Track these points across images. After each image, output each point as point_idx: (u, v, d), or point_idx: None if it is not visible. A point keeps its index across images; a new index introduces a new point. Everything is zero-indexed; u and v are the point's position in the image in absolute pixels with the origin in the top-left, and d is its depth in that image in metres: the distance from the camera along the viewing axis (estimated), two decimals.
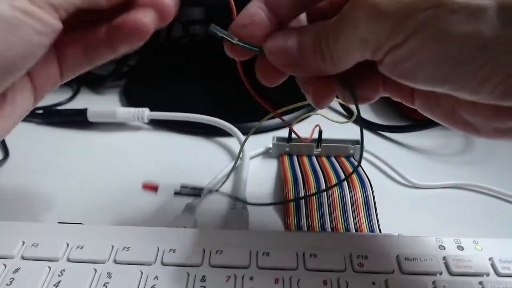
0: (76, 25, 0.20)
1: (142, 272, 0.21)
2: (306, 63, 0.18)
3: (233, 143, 0.37)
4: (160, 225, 0.26)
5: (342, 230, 0.27)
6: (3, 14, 0.15)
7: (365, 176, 0.31)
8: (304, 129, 0.32)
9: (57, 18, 0.17)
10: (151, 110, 0.39)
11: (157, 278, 0.21)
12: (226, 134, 0.37)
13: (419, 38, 0.14)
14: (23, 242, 0.23)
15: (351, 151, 0.34)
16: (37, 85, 0.21)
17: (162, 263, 0.22)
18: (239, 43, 0.18)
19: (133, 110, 0.39)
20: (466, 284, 0.21)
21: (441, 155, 0.37)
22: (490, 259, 0.22)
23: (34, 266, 0.22)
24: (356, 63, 0.17)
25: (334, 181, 0.30)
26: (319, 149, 0.34)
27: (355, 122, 0.39)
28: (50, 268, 0.22)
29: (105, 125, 0.40)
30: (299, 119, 0.33)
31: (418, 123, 0.39)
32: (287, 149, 0.35)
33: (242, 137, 0.36)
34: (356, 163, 0.33)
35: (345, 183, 0.30)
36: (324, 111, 0.44)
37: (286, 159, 0.34)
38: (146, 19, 0.19)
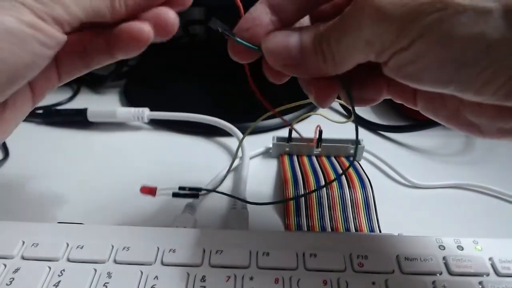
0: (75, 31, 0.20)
1: (142, 272, 0.21)
2: (307, 64, 0.18)
3: (233, 143, 0.37)
4: (160, 225, 0.26)
5: (342, 230, 0.27)
6: (10, 27, 0.16)
7: (365, 176, 0.31)
8: (304, 129, 0.32)
9: (61, 31, 0.17)
10: (151, 110, 0.39)
11: (157, 278, 0.21)
12: (226, 134, 0.37)
13: (425, 42, 0.14)
14: (23, 242, 0.23)
15: (351, 151, 0.34)
16: (36, 89, 0.21)
17: (162, 263, 0.22)
18: (239, 40, 0.18)
19: (133, 110, 0.39)
20: (466, 284, 0.21)
21: (441, 155, 0.37)
22: (490, 259, 0.22)
23: (34, 266, 0.22)
24: (359, 65, 0.17)
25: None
26: (319, 149, 0.34)
27: (354, 122, 0.39)
28: (50, 268, 0.22)
29: (105, 125, 0.40)
30: (299, 119, 0.33)
31: (418, 123, 0.39)
32: (287, 149, 0.35)
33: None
34: (356, 163, 0.33)
35: (345, 183, 0.30)
36: (324, 111, 0.44)
37: (286, 159, 0.34)
38: (145, 28, 0.19)
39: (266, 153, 0.36)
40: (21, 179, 0.33)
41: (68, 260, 0.22)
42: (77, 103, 0.46)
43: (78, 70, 0.22)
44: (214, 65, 0.50)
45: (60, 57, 0.21)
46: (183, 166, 0.35)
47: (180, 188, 0.26)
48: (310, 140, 0.33)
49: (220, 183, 0.32)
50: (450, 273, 0.22)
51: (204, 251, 0.23)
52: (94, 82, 0.49)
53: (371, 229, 0.27)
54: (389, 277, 0.21)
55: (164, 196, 0.26)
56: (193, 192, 0.27)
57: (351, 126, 0.42)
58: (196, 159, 0.36)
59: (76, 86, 0.48)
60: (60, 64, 0.21)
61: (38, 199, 0.31)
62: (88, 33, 0.20)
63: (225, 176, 0.30)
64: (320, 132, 0.33)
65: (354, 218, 0.28)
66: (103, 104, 0.46)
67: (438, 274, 0.22)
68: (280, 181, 0.32)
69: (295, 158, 0.34)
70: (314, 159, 0.34)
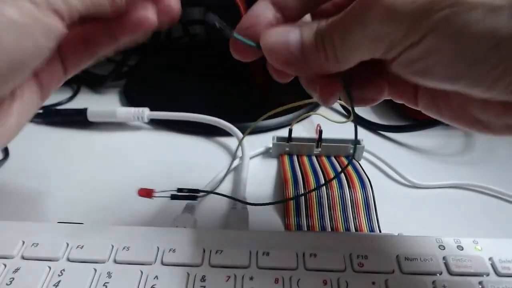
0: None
1: (142, 272, 0.21)
2: (308, 62, 0.17)
3: (233, 142, 0.37)
4: (160, 225, 0.26)
5: (342, 230, 0.27)
6: (13, 19, 0.16)
7: (365, 176, 0.31)
8: (304, 128, 0.32)
9: (62, 23, 0.18)
10: (151, 110, 0.39)
11: (157, 278, 0.21)
12: (226, 133, 0.37)
13: (436, 37, 0.14)
14: (23, 242, 0.23)
15: (351, 151, 0.34)
16: (43, 82, 0.21)
17: (162, 263, 0.22)
18: (237, 36, 0.18)
19: (133, 110, 0.39)
20: (466, 284, 0.21)
21: (441, 155, 0.37)
22: (490, 259, 0.22)
23: (34, 266, 0.22)
24: (360, 64, 0.17)
25: (334, 181, 0.30)
26: (319, 149, 0.34)
27: (354, 121, 0.39)
28: (50, 268, 0.22)
29: (105, 125, 0.40)
30: (299, 119, 0.33)
31: (418, 123, 0.39)
32: (287, 149, 0.35)
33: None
34: (356, 163, 0.33)
35: (345, 183, 0.30)
36: (324, 111, 0.44)
37: (286, 159, 0.34)
38: (149, 15, 0.19)
39: (266, 153, 0.36)
40: (21, 179, 0.33)
41: (68, 260, 0.22)
42: (77, 103, 0.46)
43: (84, 60, 0.22)
44: (214, 65, 0.50)
45: (64, 49, 0.21)
46: (183, 166, 0.35)
47: (178, 190, 0.26)
48: (313, 140, 0.33)
49: (219, 183, 0.32)
50: (450, 273, 0.22)
51: (204, 251, 0.23)
52: (94, 82, 0.49)
53: (371, 229, 0.27)
54: (389, 277, 0.21)
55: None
56: (191, 194, 0.27)
57: (351, 126, 0.42)
58: (196, 159, 0.36)
59: (76, 86, 0.48)
60: (65, 57, 0.21)
61: (38, 199, 0.31)
62: (91, 23, 0.20)
63: (224, 176, 0.30)
64: (320, 132, 0.33)
65: (354, 218, 0.28)
66: (103, 104, 0.46)
67: (438, 274, 0.22)
68: (280, 181, 0.32)
69: (295, 158, 0.34)
70: (314, 159, 0.34)
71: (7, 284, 0.21)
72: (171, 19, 0.20)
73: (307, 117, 0.35)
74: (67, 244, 0.23)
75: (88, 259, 0.22)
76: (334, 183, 0.30)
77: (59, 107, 0.43)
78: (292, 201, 0.29)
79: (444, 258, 0.22)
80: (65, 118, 0.40)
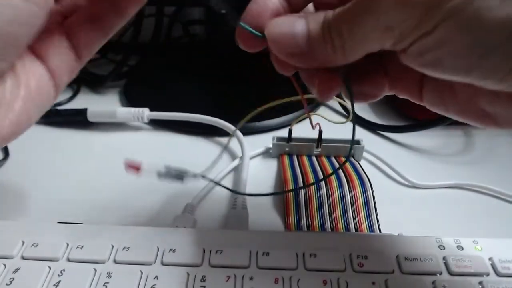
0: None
1: (142, 272, 0.21)
2: (314, 54, 0.17)
3: (233, 143, 0.37)
4: (160, 225, 0.26)
5: (342, 230, 0.27)
6: None
7: (365, 176, 0.31)
8: (304, 129, 0.32)
9: None
10: (151, 110, 0.39)
11: (157, 278, 0.21)
12: (226, 134, 0.37)
13: (449, 26, 0.13)
14: (23, 242, 0.23)
15: (352, 151, 0.34)
16: (54, 70, 0.20)
17: (162, 263, 0.22)
18: (243, 25, 0.17)
19: (133, 110, 0.39)
20: (466, 284, 0.21)
21: (441, 155, 0.37)
22: (490, 259, 0.22)
23: (34, 266, 0.22)
24: (361, 59, 0.16)
25: (334, 180, 0.30)
26: (319, 149, 0.34)
27: (352, 120, 0.39)
28: (50, 268, 0.22)
29: (105, 125, 0.40)
30: (299, 119, 0.33)
31: (418, 123, 0.39)
32: (287, 149, 0.35)
33: (242, 137, 0.36)
34: (356, 163, 0.33)
35: (345, 183, 0.30)
36: (324, 111, 0.44)
37: (286, 159, 0.34)
38: None
39: (266, 153, 0.36)
40: (21, 179, 0.33)
41: (68, 260, 0.22)
42: (77, 103, 0.46)
43: (94, 42, 0.21)
44: (214, 65, 0.50)
45: (71, 32, 0.20)
46: (183, 166, 0.35)
47: (166, 168, 0.26)
48: (313, 140, 0.33)
49: (219, 181, 0.32)
50: (450, 273, 0.22)
51: (204, 251, 0.23)
52: (94, 82, 0.49)
53: (371, 229, 0.27)
54: (389, 277, 0.21)
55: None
56: (178, 174, 0.26)
57: (351, 126, 0.42)
58: (196, 159, 0.36)
59: (76, 86, 0.48)
60: (74, 41, 0.20)
61: (38, 199, 0.31)
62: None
63: (212, 165, 0.30)
64: (320, 132, 0.33)
65: (354, 218, 0.28)
66: (103, 104, 0.46)
67: (438, 274, 0.22)
68: (280, 181, 0.32)
69: (295, 158, 0.34)
70: (314, 159, 0.34)
71: (7, 284, 0.21)
72: None
73: (306, 117, 0.35)
74: (67, 244, 0.23)
75: (88, 259, 0.22)
76: (334, 183, 0.30)
77: (59, 107, 0.43)
78: (292, 200, 0.29)
79: (444, 258, 0.22)
80: (65, 118, 0.40)
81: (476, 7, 0.13)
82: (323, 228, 0.27)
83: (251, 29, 0.18)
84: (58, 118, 0.40)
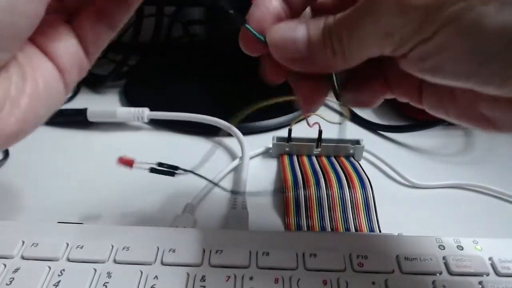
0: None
1: (142, 272, 0.21)
2: (314, 59, 0.17)
3: (233, 143, 0.37)
4: (160, 225, 0.26)
5: (342, 230, 0.27)
6: None
7: (365, 176, 0.31)
8: (304, 129, 0.32)
9: None
10: (151, 110, 0.39)
11: (157, 278, 0.21)
12: (226, 134, 0.37)
13: (449, 31, 0.13)
14: (23, 242, 0.23)
15: (351, 151, 0.34)
16: (62, 67, 0.20)
17: (162, 263, 0.22)
18: (247, 26, 0.18)
19: (133, 110, 0.39)
20: (466, 284, 0.21)
21: (441, 155, 0.37)
22: (490, 259, 0.22)
23: (34, 266, 0.22)
24: (358, 66, 0.17)
25: (334, 180, 0.30)
26: (319, 149, 0.34)
27: (352, 121, 0.39)
28: (50, 268, 0.22)
29: (105, 125, 0.40)
30: (299, 119, 0.33)
31: (418, 123, 0.39)
32: (287, 149, 0.35)
33: (242, 137, 0.36)
34: (356, 163, 0.33)
35: (345, 183, 0.30)
36: (324, 112, 0.44)
37: (286, 159, 0.34)
38: None
39: (266, 153, 0.36)
40: (21, 179, 0.33)
41: (68, 260, 0.22)
42: (77, 103, 0.46)
43: (102, 36, 0.21)
44: (214, 65, 0.50)
45: (78, 26, 0.20)
46: (183, 166, 0.35)
47: (158, 164, 0.26)
48: (313, 140, 0.33)
49: (219, 181, 0.32)
50: (450, 273, 0.22)
51: (204, 251, 0.23)
52: (94, 82, 0.49)
53: (371, 229, 0.27)
54: (389, 277, 0.21)
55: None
56: (170, 170, 0.27)
57: (351, 126, 0.42)
58: (196, 159, 0.36)
59: (76, 86, 0.48)
60: (81, 36, 0.20)
61: (38, 199, 0.31)
62: None
63: (205, 157, 0.30)
64: (320, 131, 0.33)
65: (354, 218, 0.28)
66: (103, 104, 0.46)
67: (438, 274, 0.22)
68: (280, 181, 0.32)
69: (295, 158, 0.34)
70: (314, 159, 0.34)
71: (7, 284, 0.21)
72: None
73: (307, 117, 0.35)
74: (67, 244, 0.23)
75: (88, 259, 0.22)
76: (334, 183, 0.30)
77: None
78: (292, 201, 0.29)
79: (444, 258, 0.22)
80: (65, 118, 0.40)
81: (476, 14, 0.13)
82: (323, 228, 0.27)
83: (255, 32, 0.18)
84: (58, 118, 0.40)
